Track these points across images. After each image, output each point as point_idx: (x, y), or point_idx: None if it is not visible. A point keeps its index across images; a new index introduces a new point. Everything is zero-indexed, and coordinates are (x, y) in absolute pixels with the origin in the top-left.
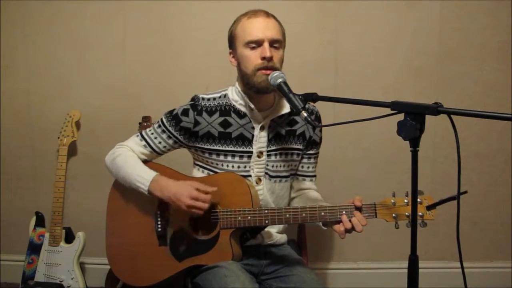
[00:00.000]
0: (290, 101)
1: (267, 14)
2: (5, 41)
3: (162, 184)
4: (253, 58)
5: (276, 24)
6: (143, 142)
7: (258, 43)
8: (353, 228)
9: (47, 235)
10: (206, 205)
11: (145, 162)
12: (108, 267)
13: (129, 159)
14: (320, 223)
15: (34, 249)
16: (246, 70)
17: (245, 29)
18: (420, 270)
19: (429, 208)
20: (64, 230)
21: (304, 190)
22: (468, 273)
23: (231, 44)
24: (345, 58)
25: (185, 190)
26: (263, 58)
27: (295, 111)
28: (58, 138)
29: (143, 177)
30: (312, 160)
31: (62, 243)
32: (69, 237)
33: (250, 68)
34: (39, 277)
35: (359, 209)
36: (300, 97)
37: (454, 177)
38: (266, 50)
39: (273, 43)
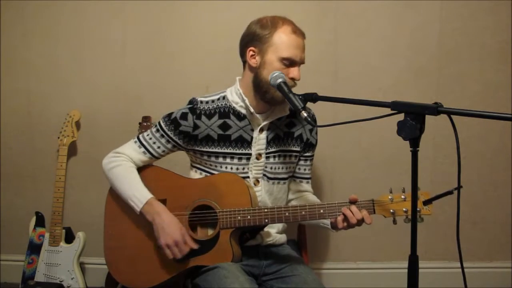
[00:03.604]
0: (290, 101)
1: (304, 36)
2: (5, 41)
3: (156, 211)
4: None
5: (304, 48)
6: (142, 149)
7: (293, 63)
8: (349, 223)
9: (47, 235)
10: (179, 255)
11: (144, 166)
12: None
13: (127, 173)
14: (329, 225)
15: (34, 249)
16: (269, 78)
17: (288, 42)
18: (420, 270)
19: (426, 203)
20: (64, 230)
21: (302, 192)
22: (468, 273)
23: (258, 43)
24: (345, 58)
25: (173, 230)
26: (292, 79)
27: (296, 111)
28: (58, 138)
29: (138, 198)
30: (308, 162)
31: (62, 243)
32: (69, 237)
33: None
34: (39, 277)
35: (354, 203)
36: (300, 97)
37: (454, 177)
38: (297, 73)
39: (299, 65)
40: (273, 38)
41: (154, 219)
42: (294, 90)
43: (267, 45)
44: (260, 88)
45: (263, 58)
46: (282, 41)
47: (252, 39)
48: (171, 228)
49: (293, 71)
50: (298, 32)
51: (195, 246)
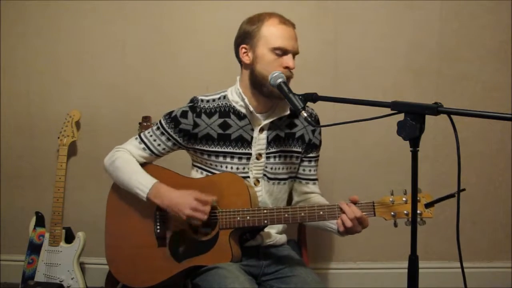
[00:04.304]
0: (290, 101)
1: (294, 25)
2: (5, 41)
3: (162, 192)
4: (276, 65)
5: (296, 37)
6: (142, 145)
7: (285, 52)
8: (347, 228)
9: (47, 235)
10: (205, 216)
11: (144, 164)
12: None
13: (129, 164)
14: (335, 230)
15: (34, 249)
16: (264, 72)
17: (276, 33)
18: (420, 270)
19: (428, 206)
20: (64, 230)
21: (308, 194)
22: (468, 273)
23: (249, 40)
24: (345, 58)
25: (185, 200)
26: (286, 67)
27: (296, 112)
28: (58, 138)
29: (142, 183)
30: (313, 163)
31: (62, 243)
32: (69, 237)
33: (270, 72)
34: (39, 277)
35: (354, 205)
36: (300, 97)
37: (454, 177)
38: (291, 61)
39: (294, 55)
40: (261, 31)
41: (162, 202)
42: (294, 90)
43: (256, 39)
44: (257, 84)
45: (255, 53)
46: (271, 33)
47: (243, 37)
48: (183, 200)
49: (287, 60)
50: (287, 22)
51: (214, 198)
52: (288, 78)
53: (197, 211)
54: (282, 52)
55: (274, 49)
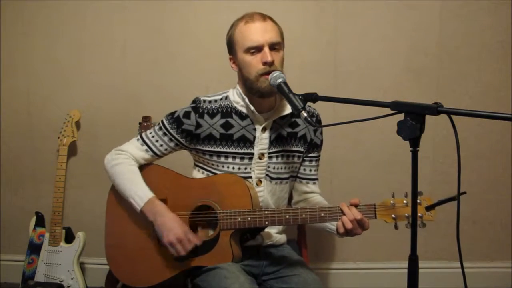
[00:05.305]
0: (290, 101)
1: (264, 17)
2: (5, 41)
3: (157, 210)
4: (254, 63)
5: (274, 26)
6: (144, 147)
7: (258, 48)
8: (347, 230)
9: (47, 235)
10: (183, 253)
11: (146, 164)
12: (108, 267)
13: (129, 171)
14: (335, 231)
15: (34, 249)
16: (248, 75)
17: (243, 35)
18: (420, 270)
19: (428, 209)
20: (64, 230)
21: (308, 194)
22: (468, 273)
23: (230, 49)
24: (344, 58)
25: (175, 228)
26: (265, 63)
27: (295, 112)
28: (58, 138)
29: (139, 196)
30: (313, 163)
31: (62, 243)
32: (69, 237)
33: (252, 74)
34: (39, 277)
35: (356, 207)
36: (300, 97)
37: (454, 177)
38: (267, 55)
39: (273, 46)
40: (234, 38)
41: (155, 218)
42: (294, 90)
43: (234, 47)
44: (248, 87)
45: (238, 60)
46: (241, 36)
47: (228, 48)
48: (173, 226)
49: (263, 56)
50: (253, 18)
51: (198, 242)
52: (274, 71)
53: (179, 244)
54: (256, 49)
55: (247, 51)
